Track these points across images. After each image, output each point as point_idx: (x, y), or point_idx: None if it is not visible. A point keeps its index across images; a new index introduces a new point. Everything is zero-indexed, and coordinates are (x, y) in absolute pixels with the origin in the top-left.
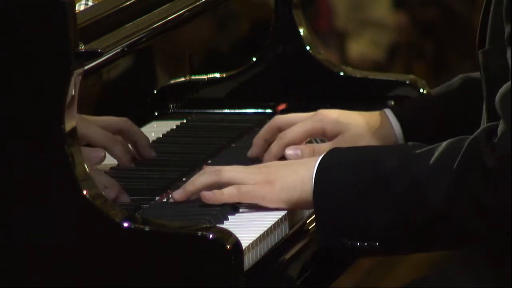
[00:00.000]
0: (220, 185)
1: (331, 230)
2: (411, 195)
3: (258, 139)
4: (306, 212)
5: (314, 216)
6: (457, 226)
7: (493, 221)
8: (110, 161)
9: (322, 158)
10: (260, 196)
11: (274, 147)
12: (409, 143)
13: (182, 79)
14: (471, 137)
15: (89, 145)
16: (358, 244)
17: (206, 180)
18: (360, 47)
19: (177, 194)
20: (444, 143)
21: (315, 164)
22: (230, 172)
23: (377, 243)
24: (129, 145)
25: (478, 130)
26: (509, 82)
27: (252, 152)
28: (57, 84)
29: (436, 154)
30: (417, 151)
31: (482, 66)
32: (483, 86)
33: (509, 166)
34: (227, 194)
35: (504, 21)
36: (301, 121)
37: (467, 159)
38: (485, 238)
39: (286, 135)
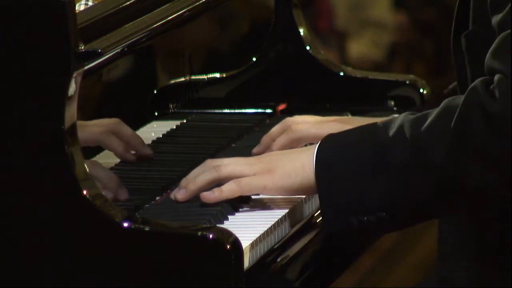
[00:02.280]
0: (221, 181)
1: (337, 209)
2: (412, 160)
3: (267, 138)
4: (307, 212)
5: (314, 215)
6: (464, 182)
7: (500, 169)
8: (109, 161)
9: (320, 142)
10: (260, 186)
11: (282, 138)
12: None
13: (182, 79)
14: (469, 88)
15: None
16: (366, 218)
17: (206, 177)
18: (360, 47)
19: (180, 195)
20: (440, 105)
21: (315, 148)
22: (230, 166)
23: (384, 213)
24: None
25: (474, 82)
26: (497, 40)
27: (258, 150)
28: (57, 84)
29: (432, 115)
30: (412, 116)
31: (465, 49)
32: (467, 70)
33: (510, 108)
34: (226, 191)
35: None
36: (314, 122)
37: (467, 109)
38: (493, 192)
39: (299, 130)
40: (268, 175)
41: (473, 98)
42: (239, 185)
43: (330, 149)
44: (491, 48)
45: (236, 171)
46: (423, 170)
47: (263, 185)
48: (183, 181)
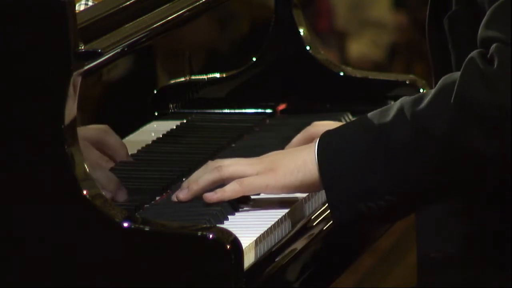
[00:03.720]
0: (223, 181)
1: (345, 199)
2: (414, 137)
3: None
4: (307, 211)
5: (315, 215)
6: (468, 152)
7: (501, 134)
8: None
9: (319, 138)
10: (263, 185)
11: (207, 178)
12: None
13: (182, 79)
14: (465, 61)
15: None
16: (375, 204)
17: (209, 178)
18: (360, 47)
19: (182, 194)
20: (438, 83)
21: (315, 144)
22: (232, 166)
23: (392, 197)
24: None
25: (470, 54)
26: (489, 11)
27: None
28: (57, 84)
29: (431, 92)
30: (411, 97)
31: (448, 31)
32: (451, 53)
33: (510, 70)
34: (229, 191)
35: None
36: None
37: (467, 79)
38: (497, 159)
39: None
40: (270, 174)
41: (471, 68)
42: (242, 185)
43: (330, 142)
44: (483, 21)
45: (238, 171)
46: (426, 145)
47: (266, 184)
48: (185, 183)
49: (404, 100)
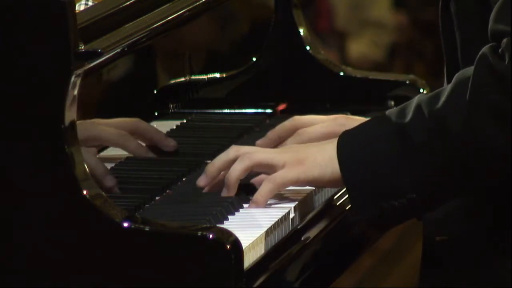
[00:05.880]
0: (253, 168)
1: (367, 198)
2: (433, 135)
3: (273, 133)
4: (308, 211)
5: (314, 216)
6: (485, 146)
7: None
8: (117, 153)
9: (339, 137)
10: (294, 179)
11: (290, 142)
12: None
13: (182, 79)
14: (477, 57)
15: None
16: (398, 202)
17: (241, 168)
18: (360, 47)
19: (223, 193)
20: (453, 80)
21: (334, 144)
22: (260, 153)
23: (414, 195)
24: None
25: (482, 49)
26: (499, 3)
27: (262, 142)
28: (57, 84)
29: (447, 90)
30: (428, 95)
31: (454, 13)
32: (456, 35)
33: None
34: (265, 192)
35: None
36: (321, 122)
37: (480, 75)
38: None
39: (306, 132)
40: (299, 166)
41: (483, 65)
42: (275, 183)
43: (350, 143)
44: (492, 14)
45: (267, 158)
46: (444, 143)
47: (297, 177)
48: (209, 166)
49: (421, 98)
